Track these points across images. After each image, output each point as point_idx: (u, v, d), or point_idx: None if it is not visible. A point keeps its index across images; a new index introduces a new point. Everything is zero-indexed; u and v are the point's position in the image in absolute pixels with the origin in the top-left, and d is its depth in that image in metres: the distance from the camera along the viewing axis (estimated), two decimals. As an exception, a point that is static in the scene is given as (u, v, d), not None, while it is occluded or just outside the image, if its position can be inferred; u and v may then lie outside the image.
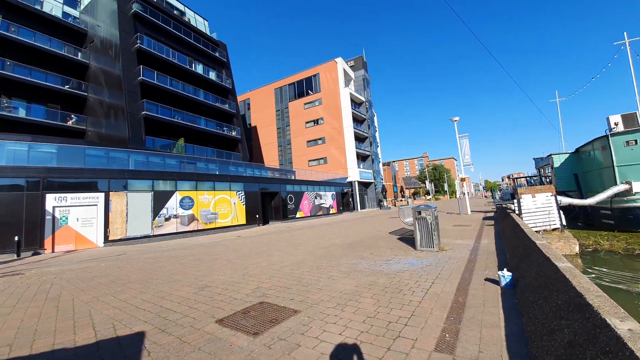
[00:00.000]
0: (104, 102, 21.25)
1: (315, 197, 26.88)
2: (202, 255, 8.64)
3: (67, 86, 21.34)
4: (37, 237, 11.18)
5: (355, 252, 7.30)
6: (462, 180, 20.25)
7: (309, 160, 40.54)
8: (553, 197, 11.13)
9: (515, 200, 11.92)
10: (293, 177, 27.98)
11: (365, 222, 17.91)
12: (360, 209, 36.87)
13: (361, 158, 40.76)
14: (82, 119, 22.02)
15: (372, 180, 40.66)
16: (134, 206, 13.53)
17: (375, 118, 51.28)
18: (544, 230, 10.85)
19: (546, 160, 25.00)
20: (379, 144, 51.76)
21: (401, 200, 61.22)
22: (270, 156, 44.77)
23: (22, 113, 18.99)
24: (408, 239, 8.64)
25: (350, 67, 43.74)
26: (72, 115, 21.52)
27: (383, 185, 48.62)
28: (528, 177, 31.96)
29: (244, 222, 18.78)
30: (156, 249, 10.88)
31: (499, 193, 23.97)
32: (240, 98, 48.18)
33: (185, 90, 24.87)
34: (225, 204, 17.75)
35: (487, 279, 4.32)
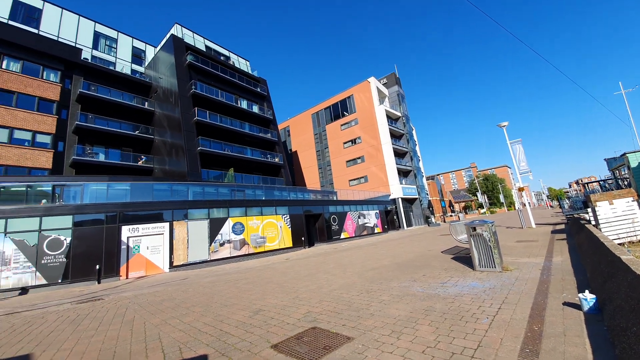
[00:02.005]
0: (167, 142, 24.00)
1: (359, 217, 26.43)
2: (254, 278, 8.91)
3: (137, 131, 24.63)
4: (114, 265, 12.60)
5: (406, 273, 6.91)
6: (520, 189, 18.33)
7: (350, 180, 40.46)
8: (635, 203, 9.48)
9: (589, 209, 10.39)
10: (335, 198, 28.03)
11: (414, 240, 17.01)
12: (407, 226, 35.21)
13: (402, 174, 39.51)
14: (150, 159, 25.01)
15: (417, 196, 38.87)
16: (193, 233, 14.67)
17: (414, 132, 49.95)
18: (629, 242, 9.21)
19: (620, 160, 21.57)
20: (420, 158, 49.89)
21: (451, 216, 57.24)
22: (312, 179, 45.69)
23: (101, 157, 22.21)
24: (464, 258, 7.97)
25: (383, 84, 43.87)
26: (142, 156, 24.60)
27: (429, 201, 46.15)
28: (601, 180, 27.79)
29: (291, 245, 19.07)
30: (213, 273, 11.51)
31: (567, 202, 21.08)
32: (280, 126, 50.83)
33: (233, 125, 27.06)
34: (273, 228, 18.32)
35: (565, 303, 3.76)
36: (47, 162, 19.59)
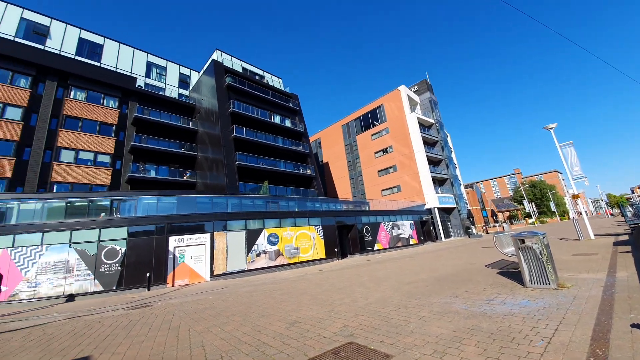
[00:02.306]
0: (208, 158, 25.59)
1: (393, 228, 25.63)
2: (289, 289, 8.98)
3: (183, 149, 26.63)
4: (163, 274, 13.48)
5: (447, 289, 6.51)
6: (575, 197, 16.53)
7: (382, 190, 39.61)
8: None
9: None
10: (367, 208, 27.56)
11: (453, 252, 16.03)
12: (445, 238, 33.34)
13: (438, 182, 37.80)
14: (193, 173, 26.80)
15: (455, 206, 36.83)
16: (232, 244, 15.27)
17: (449, 139, 47.86)
18: None
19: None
20: (456, 166, 47.49)
21: (494, 226, 53.18)
22: (343, 189, 45.51)
23: (152, 174, 24.26)
24: (512, 273, 7.33)
25: (414, 92, 42.95)
26: (187, 171, 26.48)
27: (469, 210, 43.42)
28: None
29: (324, 256, 18.99)
30: (250, 283, 11.80)
31: (630, 209, 18.52)
32: (311, 139, 51.75)
33: (267, 139, 28.15)
34: (306, 239, 18.43)
35: (634, 325, 3.27)
36: (106, 179, 21.85)
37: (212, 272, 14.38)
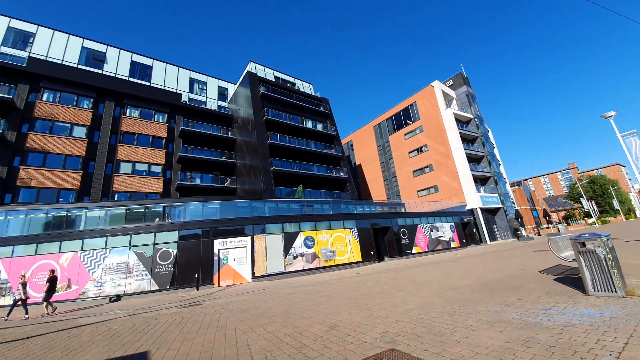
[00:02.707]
0: (246, 165, 26.78)
1: (431, 230, 24.52)
2: (327, 292, 9.00)
3: (223, 157, 28.19)
4: (209, 274, 14.32)
5: (496, 296, 6.05)
6: (645, 194, 14.38)
7: (418, 191, 38.14)
8: None
9: None
10: (403, 210, 26.71)
11: (501, 257, 14.88)
12: (490, 240, 31.09)
13: (480, 181, 35.42)
14: (233, 180, 28.22)
15: (499, 205, 34.20)
16: (270, 247, 15.77)
17: (490, 134, 44.77)
18: None
19: None
20: (500, 162, 44.18)
21: (547, 227, 48.38)
22: (377, 191, 44.65)
23: (197, 181, 25.98)
24: (571, 279, 6.60)
25: (449, 86, 40.87)
26: (227, 178, 27.96)
27: (516, 211, 40.03)
28: None
29: (360, 259, 18.75)
30: (289, 285, 12.06)
31: None
32: (343, 141, 51.67)
33: (300, 144, 28.70)
34: (341, 242, 18.37)
35: None
36: (158, 188, 23.87)
37: (253, 273, 14.96)
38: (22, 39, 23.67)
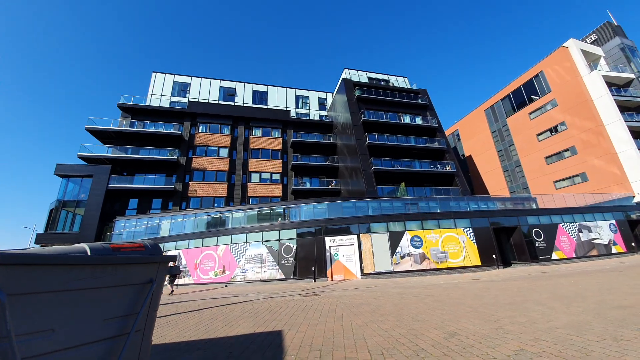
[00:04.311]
0: (348, 167, 27.75)
1: (580, 230, 18.90)
2: (441, 296, 8.28)
3: (327, 162, 30.13)
4: (323, 269, 15.53)
5: None
6: None
7: (555, 182, 30.08)
8: None
9: None
10: (534, 206, 21.65)
11: None
12: (688, 244, 21.36)
13: (661, 162, 24.93)
14: (337, 182, 29.77)
15: None
16: (376, 245, 15.77)
17: (675, 95, 30.89)
18: None
19: None
20: (699, 133, 29.85)
21: None
22: (496, 184, 37.76)
23: (307, 185, 28.66)
24: None
25: (592, 42, 30.70)
26: (332, 180, 29.73)
27: None
28: None
29: (478, 263, 16.30)
30: (398, 285, 11.72)
31: None
32: (448, 132, 46.36)
33: (399, 141, 27.54)
34: (454, 243, 16.49)
35: None
36: (278, 192, 27.67)
37: (362, 270, 15.30)
38: (183, 89, 32.18)
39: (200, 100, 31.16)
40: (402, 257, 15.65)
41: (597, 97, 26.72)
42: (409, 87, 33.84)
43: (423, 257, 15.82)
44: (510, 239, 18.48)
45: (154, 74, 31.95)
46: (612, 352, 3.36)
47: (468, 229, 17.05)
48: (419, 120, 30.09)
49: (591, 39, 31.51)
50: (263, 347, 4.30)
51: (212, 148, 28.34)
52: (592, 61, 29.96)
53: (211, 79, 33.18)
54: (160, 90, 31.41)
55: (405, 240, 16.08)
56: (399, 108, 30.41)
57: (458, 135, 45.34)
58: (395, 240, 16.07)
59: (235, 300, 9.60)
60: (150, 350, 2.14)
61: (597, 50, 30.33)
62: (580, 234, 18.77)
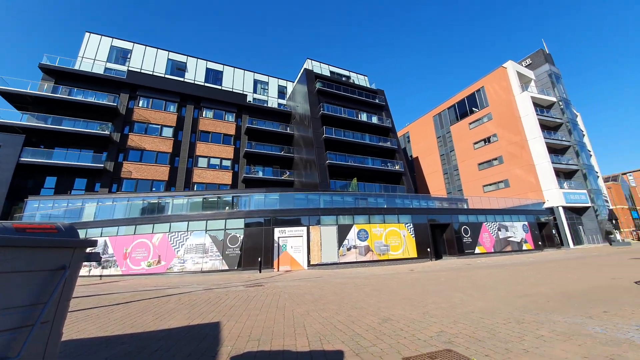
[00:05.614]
0: (303, 158, 27.80)
1: (499, 229, 22.08)
2: (379, 286, 8.95)
3: (282, 152, 29.75)
4: (270, 259, 15.47)
5: (577, 307, 5.26)
6: None
7: (484, 186, 34.52)
8: None
9: None
10: (465, 206, 24.56)
11: (587, 263, 12.70)
12: (574, 244, 26.67)
13: (563, 175, 30.42)
14: (291, 173, 29.65)
15: (588, 204, 28.91)
16: (325, 237, 16.24)
17: (579, 119, 37.89)
18: None
19: None
20: (591, 153, 37.16)
21: (655, 232, 39.17)
22: (436, 185, 41.80)
23: (260, 174, 27.99)
24: (685, 297, 5.34)
25: (526, 66, 35.62)
26: (286, 171, 29.49)
27: (610, 211, 33.30)
28: None
29: (415, 256, 17.99)
30: (342, 276, 12.31)
31: None
32: (399, 133, 49.45)
33: (354, 137, 28.50)
34: (396, 237, 17.86)
35: None
36: (228, 180, 26.47)
37: (309, 261, 15.65)
38: (122, 55, 28.41)
39: (143, 71, 27.85)
40: (349, 249, 16.45)
41: (524, 115, 31.17)
42: (368, 86, 35.01)
43: (367, 250, 16.84)
44: (444, 235, 20.75)
45: (87, 34, 27.44)
46: (515, 333, 4.06)
47: (409, 224, 18.63)
48: (374, 120, 31.50)
49: (526, 62, 36.44)
50: (198, 339, 4.16)
51: (154, 126, 25.71)
52: (524, 83, 34.72)
53: (158, 48, 29.84)
54: (93, 54, 27.17)
55: (352, 233, 16.90)
56: (357, 105, 31.36)
57: (408, 137, 48.78)
58: (343, 233, 16.77)
59: (170, 292, 9.03)
60: (59, 345, 1.91)
61: (530, 73, 35.25)
62: (499, 232, 21.97)
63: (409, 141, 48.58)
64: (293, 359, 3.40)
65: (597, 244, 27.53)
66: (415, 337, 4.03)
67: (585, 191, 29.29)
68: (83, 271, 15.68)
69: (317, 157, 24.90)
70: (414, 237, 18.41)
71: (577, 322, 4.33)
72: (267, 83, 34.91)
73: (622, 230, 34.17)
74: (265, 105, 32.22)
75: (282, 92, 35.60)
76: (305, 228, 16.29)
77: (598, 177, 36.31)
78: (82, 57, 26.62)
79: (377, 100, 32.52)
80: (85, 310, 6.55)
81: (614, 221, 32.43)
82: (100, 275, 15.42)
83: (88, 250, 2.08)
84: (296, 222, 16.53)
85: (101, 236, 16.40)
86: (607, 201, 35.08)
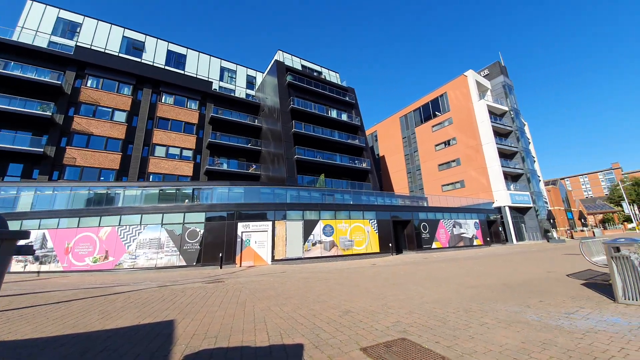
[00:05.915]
0: (271, 152, 27.28)
1: (454, 226, 23.77)
2: (342, 280, 9.14)
3: (249, 144, 28.89)
4: (232, 255, 15.01)
5: (517, 297, 5.84)
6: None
7: (443, 185, 36.90)
8: None
9: None
10: (425, 204, 26.07)
11: (527, 258, 14.19)
12: (517, 241, 29.64)
13: (511, 178, 33.55)
14: (258, 167, 28.95)
15: (531, 205, 32.30)
16: (290, 233, 16.15)
17: (526, 128, 41.95)
18: None
19: None
20: (535, 159, 41.42)
21: (582, 231, 45.12)
22: (400, 184, 43.75)
23: (225, 166, 26.93)
24: (600, 285, 6.20)
25: (484, 76, 38.52)
26: (253, 164, 28.71)
27: (549, 211, 37.59)
28: None
29: (378, 250, 18.70)
30: (307, 270, 12.36)
31: None
32: (368, 132, 50.73)
33: (324, 134, 28.63)
34: (360, 232, 18.38)
35: None
36: (189, 171, 25.05)
37: (273, 256, 15.47)
38: (70, 29, 25.36)
39: (93, 47, 25.10)
40: (314, 244, 16.57)
41: (480, 122, 33.75)
42: (339, 83, 35.31)
43: (332, 245, 17.12)
44: (405, 230, 21.83)
45: (29, 1, 23.94)
46: (462, 321, 4.38)
47: (373, 220, 19.28)
48: (344, 117, 31.91)
49: (484, 72, 39.38)
50: (149, 338, 3.88)
51: (105, 109, 23.39)
52: (482, 91, 37.53)
53: (112, 24, 27.07)
54: (36, 25, 23.82)
55: (318, 229, 17.03)
56: (327, 101, 31.47)
57: (376, 136, 50.30)
58: (309, 228, 16.83)
59: (119, 290, 8.35)
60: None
61: (487, 83, 38.17)
62: (454, 228, 23.68)
63: (376, 140, 50.12)
64: (252, 355, 3.31)
65: (536, 241, 30.95)
66: (373, 327, 4.17)
67: (528, 193, 32.71)
68: (18, 267, 13.88)
69: (285, 152, 24.61)
70: (377, 233, 19.10)
71: (516, 310, 4.81)
72: (235, 72, 33.51)
73: (558, 229, 38.84)
74: (232, 94, 30.93)
75: (250, 83, 34.43)
76: (270, 223, 16.05)
77: (540, 180, 40.76)
78: (22, 27, 23.23)
79: (347, 98, 32.95)
80: (19, 309, 5.79)
81: (551, 220, 36.75)
82: (38, 272, 13.75)
83: (20, 242, 1.82)
84: (261, 217, 16.22)
85: (39, 228, 14.60)
86: (546, 202, 39.55)
